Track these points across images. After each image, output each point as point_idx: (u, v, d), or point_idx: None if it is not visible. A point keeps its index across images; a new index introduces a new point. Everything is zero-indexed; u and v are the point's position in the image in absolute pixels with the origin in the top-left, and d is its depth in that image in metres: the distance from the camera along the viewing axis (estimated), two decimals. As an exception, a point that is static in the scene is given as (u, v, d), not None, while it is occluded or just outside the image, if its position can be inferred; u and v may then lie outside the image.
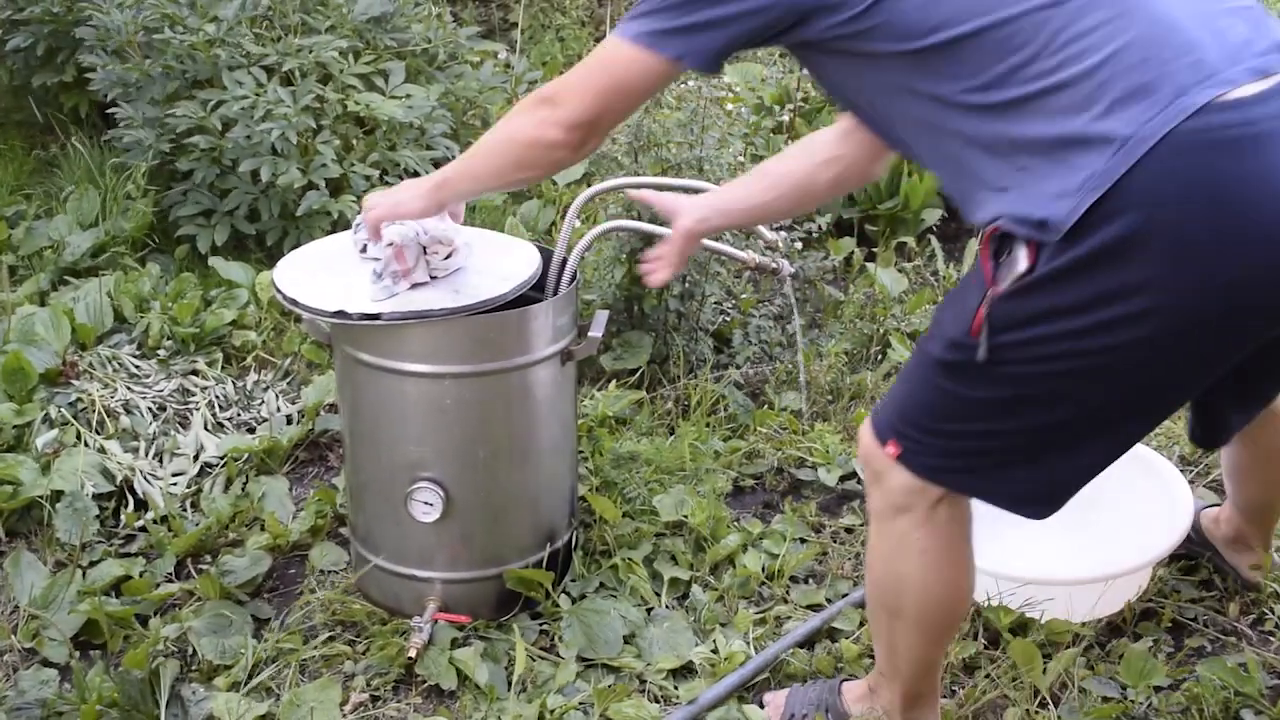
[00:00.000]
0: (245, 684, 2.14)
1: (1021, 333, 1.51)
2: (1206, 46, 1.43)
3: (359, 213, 2.18)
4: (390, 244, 2.05)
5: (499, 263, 2.22)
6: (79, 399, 2.90)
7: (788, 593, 2.41)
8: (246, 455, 2.75)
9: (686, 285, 3.08)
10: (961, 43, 1.50)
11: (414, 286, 2.09)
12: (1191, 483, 2.71)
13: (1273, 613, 2.31)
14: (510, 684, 2.15)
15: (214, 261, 3.48)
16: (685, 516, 2.54)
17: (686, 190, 2.24)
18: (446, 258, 2.13)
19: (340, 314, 2.04)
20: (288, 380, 3.11)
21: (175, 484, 2.67)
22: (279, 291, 2.14)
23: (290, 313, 3.32)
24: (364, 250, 2.17)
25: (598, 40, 5.33)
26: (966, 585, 1.80)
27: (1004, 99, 1.49)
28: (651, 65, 1.64)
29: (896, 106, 1.62)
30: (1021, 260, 1.47)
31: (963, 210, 1.62)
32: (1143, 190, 1.39)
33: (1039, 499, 1.68)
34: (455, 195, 2.02)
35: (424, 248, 2.09)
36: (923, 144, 1.64)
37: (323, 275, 2.17)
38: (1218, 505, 2.40)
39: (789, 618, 2.33)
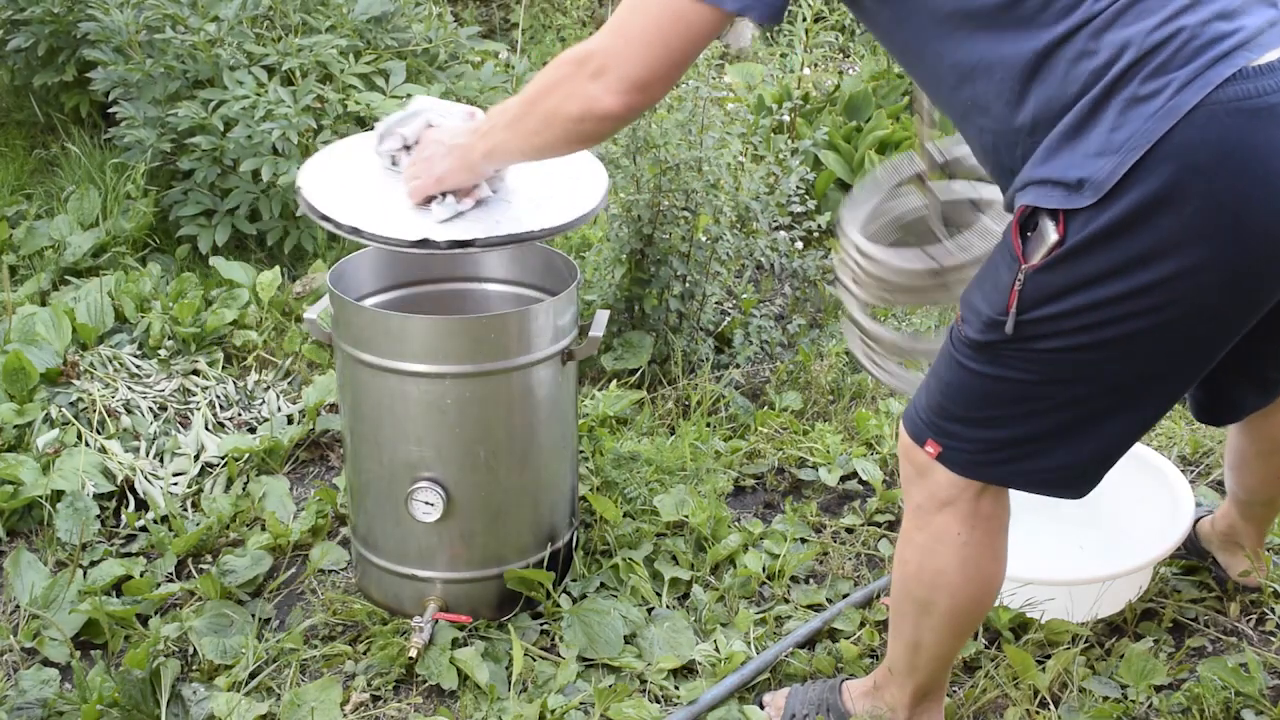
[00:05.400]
0: (246, 684, 2.14)
1: (1057, 305, 1.50)
2: (1249, 11, 1.43)
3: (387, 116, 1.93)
4: None
5: (564, 180, 2.04)
6: (80, 399, 2.90)
7: (788, 593, 2.41)
8: (247, 455, 2.75)
9: (687, 285, 3.08)
10: None
11: (478, 204, 1.88)
12: (1192, 483, 2.71)
13: (1273, 613, 2.31)
14: (511, 684, 2.15)
15: (215, 261, 3.49)
16: (686, 516, 2.55)
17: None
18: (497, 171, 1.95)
19: (425, 242, 1.81)
20: (288, 380, 3.12)
21: (176, 484, 2.67)
22: (329, 219, 1.85)
23: (293, 313, 3.33)
24: (394, 164, 1.94)
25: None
26: (999, 579, 1.80)
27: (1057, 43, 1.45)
28: (707, 17, 1.52)
29: (948, 56, 1.56)
30: (1051, 232, 1.46)
31: (998, 171, 1.59)
32: (1178, 152, 1.39)
33: (1078, 479, 1.67)
34: (500, 165, 1.92)
35: None
36: (967, 93, 1.56)
37: (365, 196, 1.90)
38: (1211, 513, 2.41)
39: (789, 618, 2.33)
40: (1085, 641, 2.21)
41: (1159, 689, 2.13)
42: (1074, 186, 1.44)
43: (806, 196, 3.37)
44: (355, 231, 1.84)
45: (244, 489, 2.68)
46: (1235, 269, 1.45)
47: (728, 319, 3.32)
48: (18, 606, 2.33)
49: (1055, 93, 1.46)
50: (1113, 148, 1.41)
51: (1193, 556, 2.41)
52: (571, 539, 2.42)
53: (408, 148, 1.96)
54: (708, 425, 2.90)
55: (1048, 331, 1.53)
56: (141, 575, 2.39)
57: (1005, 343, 1.55)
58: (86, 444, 2.73)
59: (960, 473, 1.68)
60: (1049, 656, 2.18)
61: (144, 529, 2.56)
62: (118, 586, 2.38)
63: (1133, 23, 1.42)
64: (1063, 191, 1.45)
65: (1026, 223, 1.50)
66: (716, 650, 2.23)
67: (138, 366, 3.09)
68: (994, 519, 1.73)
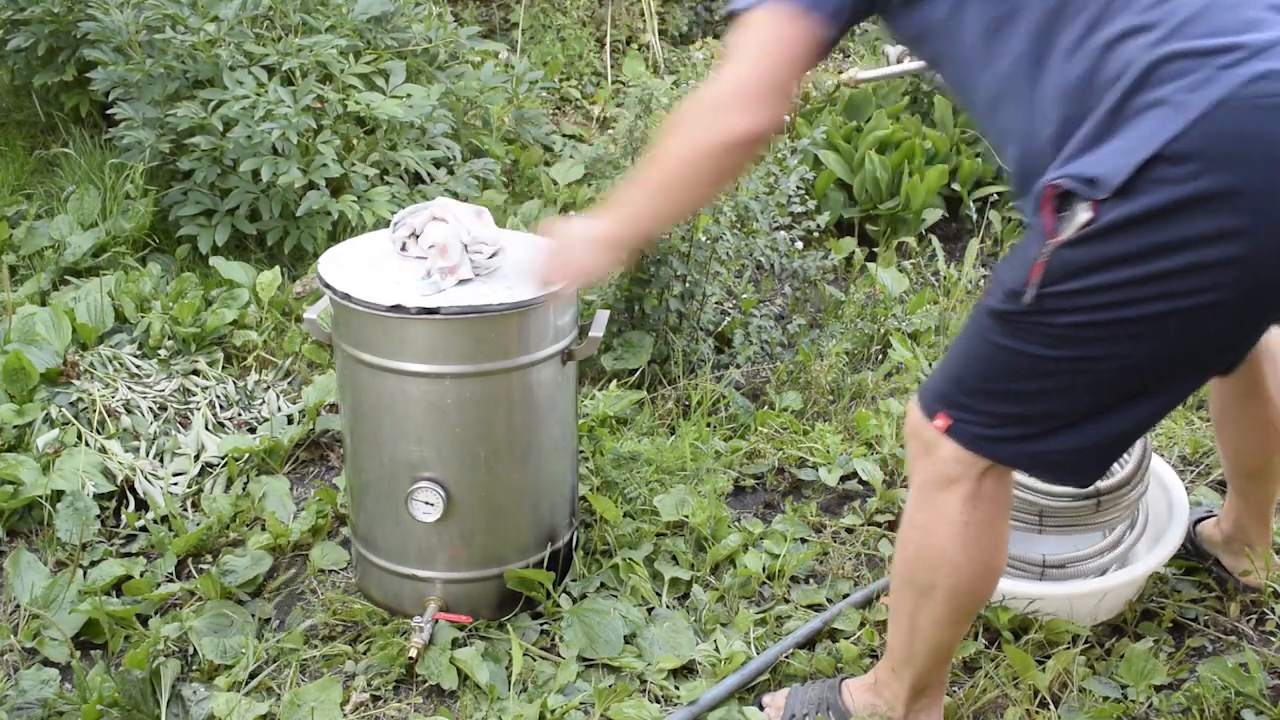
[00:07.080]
0: (246, 684, 2.14)
1: (1080, 281, 1.52)
2: (1269, 23, 1.46)
3: (396, 212, 2.17)
4: (432, 245, 2.13)
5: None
6: (80, 399, 2.90)
7: (788, 593, 2.41)
8: (247, 455, 2.75)
9: (687, 285, 3.08)
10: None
11: (460, 283, 2.14)
12: (1192, 483, 2.72)
13: (1273, 613, 2.31)
14: (510, 684, 2.15)
15: (215, 261, 3.49)
16: (686, 516, 2.55)
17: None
18: (490, 257, 2.17)
19: (397, 308, 2.07)
20: (288, 380, 3.11)
21: (176, 484, 2.67)
22: (329, 287, 2.15)
23: (293, 313, 3.33)
24: (404, 249, 2.21)
25: (598, 40, 5.33)
26: (999, 565, 1.81)
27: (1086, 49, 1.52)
28: (786, 21, 1.64)
29: (979, 64, 1.64)
30: (1083, 212, 1.49)
31: (1021, 170, 1.64)
32: (1200, 150, 1.42)
33: (1084, 465, 1.69)
34: (639, 240, 1.96)
35: (465, 246, 2.14)
36: (1005, 100, 1.64)
37: (368, 271, 2.19)
38: (1213, 515, 2.41)
39: (789, 618, 2.33)
40: (1085, 641, 2.21)
41: (1159, 689, 2.13)
42: (1088, 182, 1.48)
43: (806, 196, 3.37)
44: (346, 296, 2.12)
45: (244, 489, 2.68)
46: (1263, 264, 1.46)
47: (728, 319, 3.32)
48: (18, 606, 2.33)
49: (1074, 110, 1.51)
50: (1130, 148, 1.45)
51: (1194, 558, 2.41)
52: (571, 539, 2.42)
53: (415, 235, 2.22)
54: (708, 425, 2.90)
55: (1068, 306, 1.54)
56: (141, 575, 2.39)
57: (1024, 314, 1.57)
58: (86, 444, 2.73)
59: (968, 447, 1.69)
60: (1049, 656, 2.18)
61: (144, 529, 2.56)
62: (118, 586, 2.38)
63: (1155, 40, 1.47)
64: (1081, 185, 1.49)
65: (1063, 203, 1.52)
66: (716, 650, 2.23)
67: (138, 366, 3.09)
68: (995, 501, 1.74)
